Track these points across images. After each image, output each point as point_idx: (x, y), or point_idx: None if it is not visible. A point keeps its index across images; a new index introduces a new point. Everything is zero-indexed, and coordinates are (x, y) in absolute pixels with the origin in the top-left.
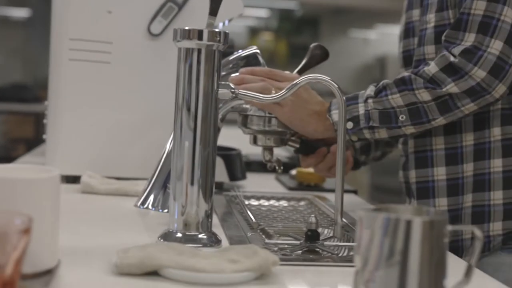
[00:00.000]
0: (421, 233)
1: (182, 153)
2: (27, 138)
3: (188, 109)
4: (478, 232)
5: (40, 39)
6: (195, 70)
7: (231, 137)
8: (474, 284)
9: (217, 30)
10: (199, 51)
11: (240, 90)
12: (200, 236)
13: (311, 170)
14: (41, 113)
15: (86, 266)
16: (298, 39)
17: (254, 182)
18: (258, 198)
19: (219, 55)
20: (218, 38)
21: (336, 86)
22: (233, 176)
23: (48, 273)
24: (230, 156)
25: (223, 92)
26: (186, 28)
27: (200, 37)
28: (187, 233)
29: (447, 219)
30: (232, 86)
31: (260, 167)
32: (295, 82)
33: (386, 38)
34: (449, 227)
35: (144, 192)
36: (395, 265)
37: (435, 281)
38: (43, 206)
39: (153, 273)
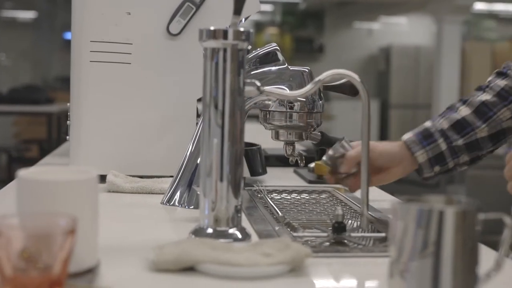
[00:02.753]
0: (454, 223)
1: (211, 150)
2: (40, 139)
3: (216, 107)
4: (508, 220)
5: (47, 40)
6: (222, 69)
7: (249, 132)
8: (506, 273)
9: (241, 29)
10: (225, 50)
11: (265, 87)
12: (230, 231)
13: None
14: (53, 113)
15: (124, 263)
16: (303, 32)
17: (273, 176)
18: (279, 192)
19: (243, 53)
20: (243, 37)
21: (359, 80)
22: (254, 171)
23: (89, 272)
24: (251, 151)
25: (249, 89)
26: (212, 28)
27: (225, 37)
28: (218, 228)
29: (479, 208)
30: (258, 83)
31: (278, 161)
32: (318, 78)
33: (390, 29)
34: (481, 216)
35: (169, 190)
36: (429, 256)
37: (468, 269)
38: (83, 206)
39: (189, 269)
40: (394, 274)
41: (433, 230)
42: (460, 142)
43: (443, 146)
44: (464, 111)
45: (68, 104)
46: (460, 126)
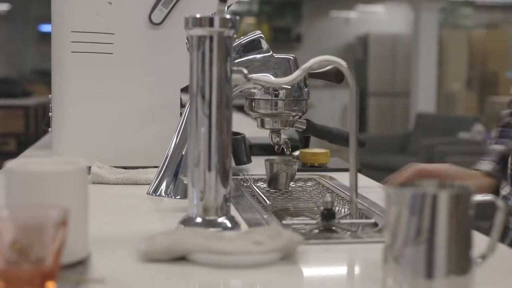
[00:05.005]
0: (448, 207)
1: (199, 140)
2: (17, 132)
3: (203, 96)
4: (500, 203)
5: (22, 33)
6: (208, 57)
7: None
8: (498, 256)
9: (227, 16)
10: (211, 38)
11: (252, 75)
12: (219, 220)
13: (314, 150)
14: (30, 107)
15: (114, 254)
16: (280, 22)
17: (258, 165)
18: (265, 181)
19: (230, 41)
20: (229, 25)
21: (346, 66)
22: (239, 160)
23: (81, 264)
24: (235, 140)
25: (236, 77)
26: (198, 15)
27: (211, 24)
28: (207, 218)
29: (472, 191)
30: (245, 71)
31: (262, 150)
32: (305, 65)
33: (367, 17)
34: (474, 200)
35: (155, 180)
36: (424, 240)
37: (462, 253)
38: (74, 197)
39: (181, 258)
40: (388, 259)
41: (427, 214)
42: None
43: None
44: None
45: (49, 96)
46: None
